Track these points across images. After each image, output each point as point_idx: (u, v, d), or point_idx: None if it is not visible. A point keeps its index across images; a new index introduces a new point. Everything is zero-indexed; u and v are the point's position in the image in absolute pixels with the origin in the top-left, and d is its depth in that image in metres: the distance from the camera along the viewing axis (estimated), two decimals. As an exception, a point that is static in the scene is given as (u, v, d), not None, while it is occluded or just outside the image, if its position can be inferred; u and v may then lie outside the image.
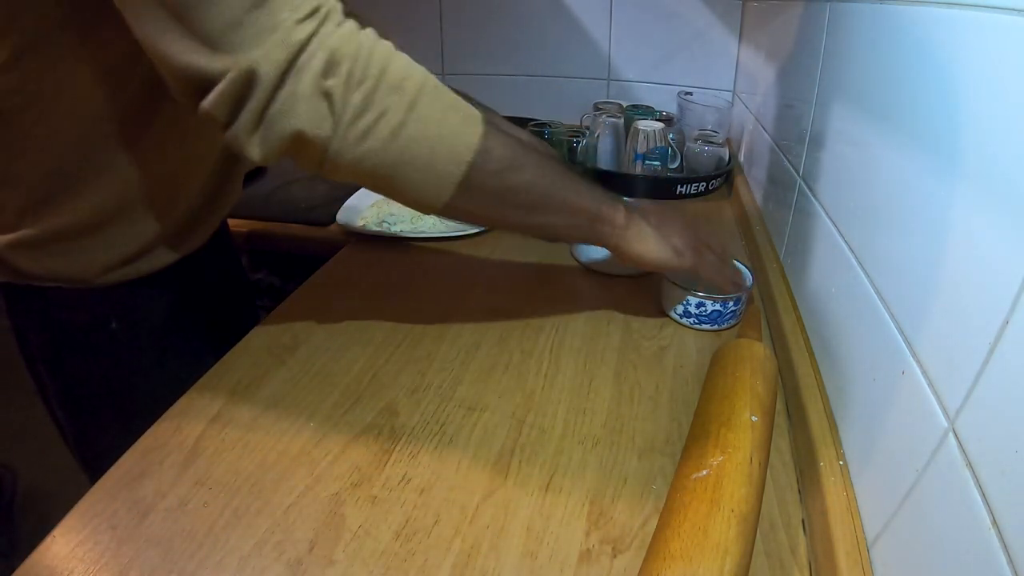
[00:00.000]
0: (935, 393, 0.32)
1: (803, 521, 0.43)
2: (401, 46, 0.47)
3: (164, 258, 0.63)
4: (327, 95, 0.40)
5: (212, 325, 0.73)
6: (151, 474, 0.46)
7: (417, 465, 0.47)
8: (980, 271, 0.29)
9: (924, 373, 0.33)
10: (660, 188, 0.98)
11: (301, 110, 0.40)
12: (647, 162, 0.99)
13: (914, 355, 0.35)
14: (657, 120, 1.03)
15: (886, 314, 0.39)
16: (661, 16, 1.21)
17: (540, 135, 0.95)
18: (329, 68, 0.40)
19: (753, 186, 0.93)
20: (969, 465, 0.28)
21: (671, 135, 1.00)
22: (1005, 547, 0.24)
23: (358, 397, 0.55)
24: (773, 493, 0.45)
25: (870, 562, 0.36)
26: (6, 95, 0.49)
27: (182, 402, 0.54)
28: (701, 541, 0.35)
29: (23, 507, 1.31)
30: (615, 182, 0.99)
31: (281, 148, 0.42)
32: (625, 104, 1.18)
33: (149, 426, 0.51)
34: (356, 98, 0.41)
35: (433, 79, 0.46)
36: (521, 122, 1.09)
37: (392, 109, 0.42)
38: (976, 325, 0.28)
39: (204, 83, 0.39)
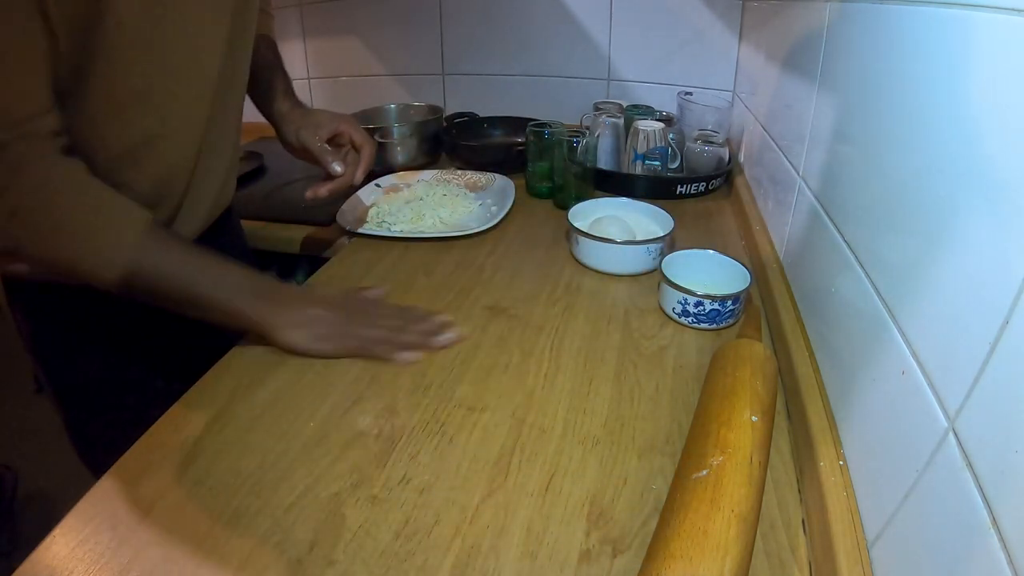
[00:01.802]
0: (935, 393, 0.32)
1: (803, 521, 0.43)
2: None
3: None
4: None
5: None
6: (151, 474, 0.46)
7: (417, 465, 0.47)
8: (980, 271, 0.29)
9: (924, 373, 0.33)
10: (660, 188, 0.98)
11: None
12: (647, 162, 0.99)
13: (914, 355, 0.35)
14: (657, 120, 1.03)
15: (886, 314, 0.39)
16: (661, 16, 1.21)
17: (540, 135, 0.95)
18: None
19: (753, 186, 0.93)
20: (969, 465, 0.28)
21: (671, 135, 1.00)
22: (1005, 547, 0.24)
23: (358, 397, 0.55)
24: (773, 493, 0.45)
25: (870, 562, 0.36)
26: None
27: (182, 402, 0.54)
28: (701, 541, 0.35)
29: (23, 507, 1.31)
30: (615, 182, 0.99)
31: None
32: (625, 104, 1.18)
33: (150, 421, 0.52)
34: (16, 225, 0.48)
35: (86, 204, 0.50)
36: (521, 122, 1.09)
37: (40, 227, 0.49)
38: (976, 325, 0.28)
39: None
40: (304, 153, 0.78)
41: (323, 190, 0.76)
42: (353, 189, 0.93)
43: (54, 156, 0.49)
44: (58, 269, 0.53)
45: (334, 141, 0.78)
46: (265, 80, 0.77)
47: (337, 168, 0.76)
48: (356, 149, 0.78)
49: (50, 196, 0.48)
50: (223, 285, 0.56)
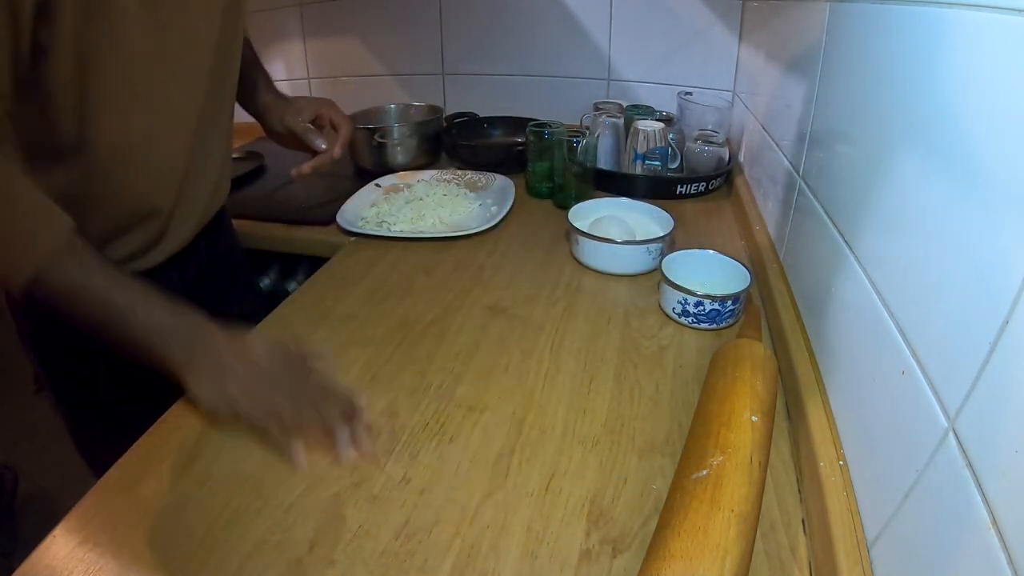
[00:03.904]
0: (935, 393, 0.32)
1: (803, 521, 0.43)
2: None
3: (156, 256, 0.64)
4: None
5: (208, 313, 0.74)
6: (151, 474, 0.46)
7: (417, 465, 0.47)
8: (980, 271, 0.29)
9: (924, 373, 0.33)
10: (660, 188, 0.98)
11: None
12: (647, 162, 0.99)
13: (914, 355, 0.35)
14: (657, 120, 1.03)
15: (886, 314, 0.39)
16: (661, 16, 1.21)
17: (540, 135, 0.96)
18: None
19: (753, 186, 0.93)
20: (969, 465, 0.28)
21: (671, 135, 1.00)
22: (1005, 547, 0.24)
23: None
24: (773, 493, 0.45)
25: (870, 562, 0.36)
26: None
27: (182, 402, 0.54)
28: (701, 541, 0.35)
29: (23, 507, 1.31)
30: (615, 182, 0.99)
31: None
32: (625, 104, 1.18)
33: (149, 424, 0.52)
34: None
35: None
36: (521, 122, 1.09)
37: None
38: (976, 325, 0.28)
39: None
40: (290, 137, 0.84)
41: (306, 167, 0.83)
42: (353, 189, 0.94)
43: None
44: None
45: (316, 123, 0.85)
46: (246, 76, 0.79)
47: (320, 144, 0.83)
48: (335, 128, 0.86)
49: None
50: (139, 313, 0.50)
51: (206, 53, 0.60)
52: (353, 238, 0.85)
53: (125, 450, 0.49)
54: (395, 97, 1.40)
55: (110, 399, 0.67)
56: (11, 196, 0.47)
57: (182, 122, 0.62)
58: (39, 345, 0.65)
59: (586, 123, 1.09)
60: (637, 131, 0.98)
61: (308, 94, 1.52)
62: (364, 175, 1.07)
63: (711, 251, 0.70)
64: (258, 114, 0.83)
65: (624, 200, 0.85)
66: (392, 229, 0.85)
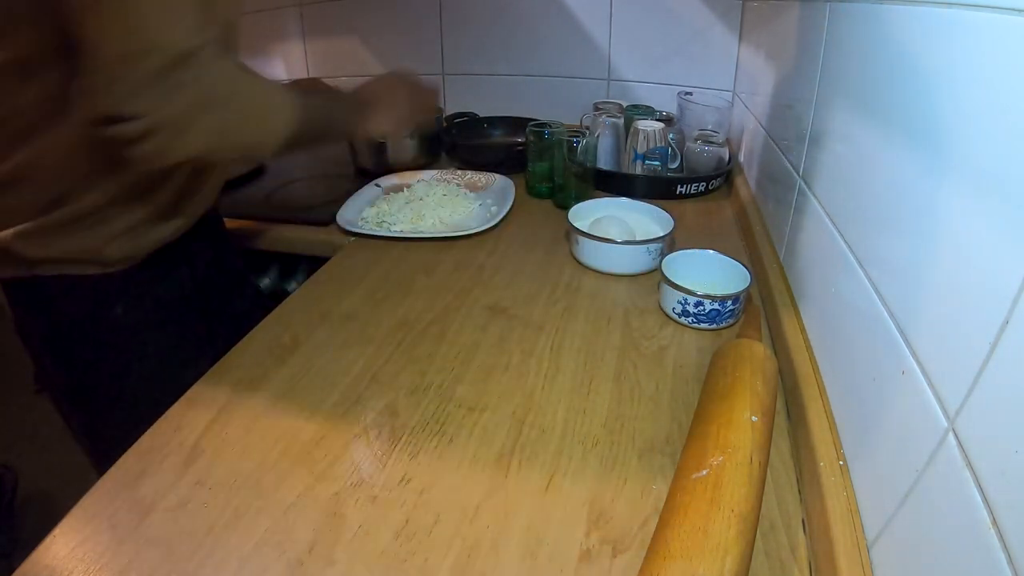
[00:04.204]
0: (935, 393, 0.32)
1: (803, 521, 0.43)
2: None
3: (163, 231, 0.66)
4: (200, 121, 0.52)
5: (208, 311, 0.76)
6: (151, 474, 0.46)
7: (417, 465, 0.47)
8: (980, 271, 0.29)
9: (924, 373, 0.33)
10: (660, 188, 0.98)
11: (184, 139, 0.51)
12: (647, 162, 0.99)
13: (914, 355, 0.35)
14: (657, 120, 1.03)
15: (886, 314, 0.39)
16: (661, 16, 1.21)
17: (540, 135, 0.96)
18: (201, 103, 0.51)
19: (753, 186, 0.93)
20: (969, 465, 0.28)
21: (671, 135, 1.00)
22: (1005, 547, 0.24)
23: (358, 397, 0.55)
24: (773, 493, 0.45)
25: (870, 562, 0.36)
26: (33, 106, 0.54)
27: (182, 402, 0.54)
28: (701, 541, 0.35)
29: (23, 507, 1.31)
30: (615, 182, 0.99)
31: (168, 162, 0.53)
32: (625, 104, 1.18)
33: (155, 414, 0.52)
34: (211, 120, 0.53)
35: (256, 87, 0.60)
36: (521, 122, 1.09)
37: (228, 117, 0.55)
38: (976, 325, 0.28)
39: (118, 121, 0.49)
40: None
41: None
42: (354, 189, 0.94)
43: (225, 57, 0.55)
44: (228, 152, 0.60)
45: None
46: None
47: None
48: None
49: (234, 88, 0.55)
50: (345, 108, 0.73)
51: None
52: (353, 238, 0.85)
53: (132, 439, 0.49)
54: (395, 97, 1.39)
55: (116, 387, 0.67)
56: (258, 81, 0.61)
57: None
58: (46, 337, 0.66)
59: (586, 123, 1.09)
60: (637, 131, 0.98)
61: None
62: (364, 175, 1.07)
63: (711, 251, 0.70)
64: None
65: (624, 200, 0.85)
66: (392, 229, 0.85)
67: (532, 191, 1.01)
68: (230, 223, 0.89)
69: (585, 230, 0.75)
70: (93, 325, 0.65)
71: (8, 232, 0.58)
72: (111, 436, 0.53)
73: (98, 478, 0.46)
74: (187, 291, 0.73)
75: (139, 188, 0.62)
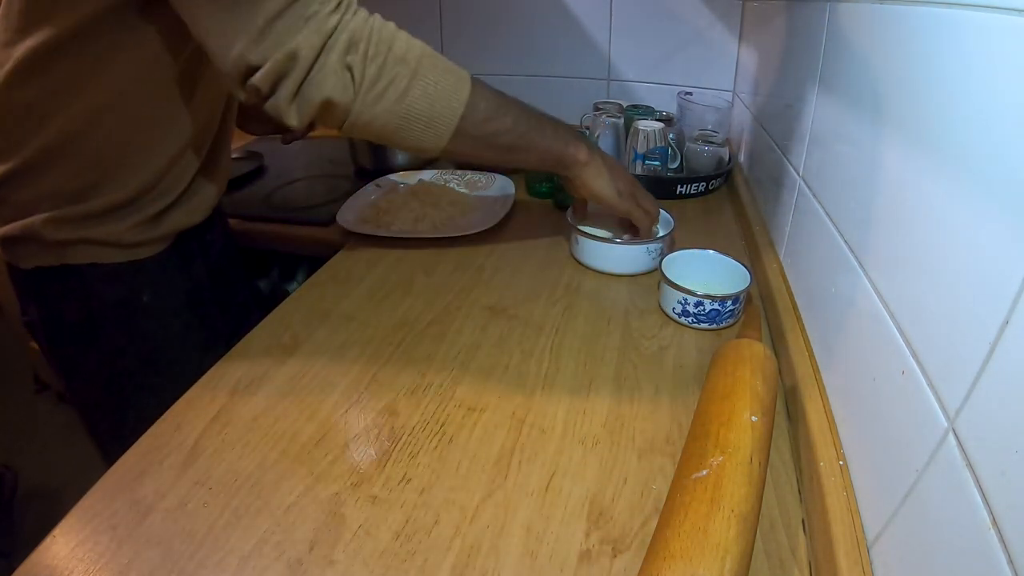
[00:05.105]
0: (935, 393, 0.32)
1: (803, 521, 0.43)
2: None
3: (179, 217, 0.69)
4: (349, 68, 0.50)
5: (220, 301, 0.78)
6: (151, 474, 0.46)
7: (417, 465, 0.47)
8: (980, 271, 0.29)
9: (924, 373, 0.33)
10: (660, 188, 0.98)
11: (330, 82, 0.50)
12: (647, 162, 0.99)
13: (914, 355, 0.35)
14: (657, 120, 1.03)
15: (886, 314, 0.39)
16: (661, 16, 1.21)
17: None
18: (350, 47, 0.50)
19: (753, 186, 0.93)
20: (969, 465, 0.28)
21: (671, 135, 1.00)
22: (1005, 547, 0.24)
23: (358, 397, 0.55)
24: (773, 493, 0.45)
25: (870, 562, 0.36)
26: (64, 85, 0.55)
27: (182, 402, 0.54)
28: (701, 541, 0.35)
29: (23, 507, 1.31)
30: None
31: (312, 113, 0.52)
32: (625, 104, 1.18)
33: (179, 395, 0.53)
34: (371, 70, 0.51)
35: (429, 50, 0.55)
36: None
37: (399, 77, 0.52)
38: (976, 325, 0.28)
39: (252, 67, 0.48)
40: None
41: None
42: (354, 189, 0.94)
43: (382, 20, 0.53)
44: (384, 119, 0.54)
45: None
46: None
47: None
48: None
49: (382, 36, 0.51)
50: (552, 133, 0.65)
51: None
52: (353, 238, 0.85)
53: (156, 418, 0.50)
54: (395, 97, 1.39)
55: (144, 371, 0.68)
56: (437, 57, 0.55)
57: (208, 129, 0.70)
58: (76, 323, 0.66)
59: (586, 123, 1.09)
60: (637, 131, 0.98)
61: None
62: (364, 175, 1.07)
63: (711, 251, 0.70)
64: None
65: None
66: (392, 229, 0.85)
67: (532, 191, 1.01)
68: (230, 223, 0.89)
69: (585, 230, 0.75)
70: (125, 311, 0.66)
71: (38, 218, 0.59)
72: (136, 423, 0.53)
73: (106, 471, 0.46)
74: (203, 281, 0.75)
75: (158, 180, 0.64)
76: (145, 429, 0.50)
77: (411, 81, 0.53)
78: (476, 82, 0.59)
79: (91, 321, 0.65)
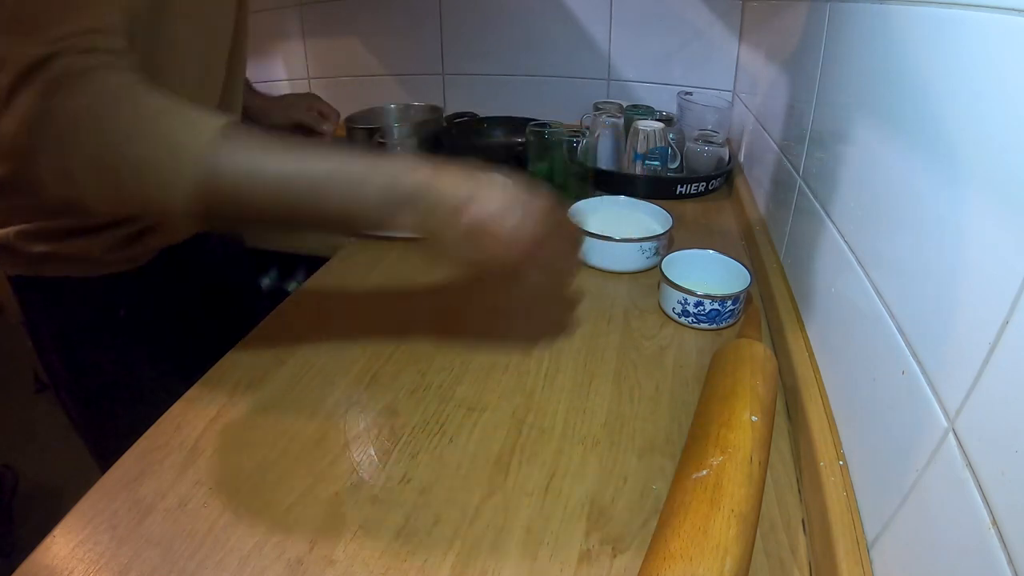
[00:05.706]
0: (935, 393, 0.32)
1: (803, 521, 0.43)
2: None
3: (161, 240, 0.67)
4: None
5: (211, 314, 0.76)
6: (151, 474, 0.46)
7: (417, 465, 0.47)
8: (980, 271, 0.29)
9: (924, 373, 0.33)
10: (660, 188, 0.98)
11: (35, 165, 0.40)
12: (647, 162, 0.99)
13: (914, 355, 0.35)
14: (657, 120, 1.03)
15: (886, 314, 0.39)
16: (661, 16, 1.21)
17: (540, 135, 0.95)
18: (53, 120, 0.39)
19: (753, 186, 0.93)
20: (969, 465, 0.28)
21: (671, 135, 1.00)
22: (1005, 547, 0.24)
23: (358, 397, 0.55)
24: (773, 493, 0.45)
25: (870, 562, 0.36)
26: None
27: (182, 402, 0.54)
28: (701, 541, 0.35)
29: (23, 507, 1.31)
30: (615, 182, 0.99)
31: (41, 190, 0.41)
32: (625, 104, 1.18)
33: (157, 415, 0.52)
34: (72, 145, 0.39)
35: (157, 115, 0.40)
36: (521, 122, 1.09)
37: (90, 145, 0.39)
38: (976, 325, 0.28)
39: None
40: (292, 128, 0.98)
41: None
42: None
43: (107, 69, 0.39)
44: (120, 204, 0.44)
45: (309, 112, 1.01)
46: None
47: (326, 128, 1.00)
48: (325, 116, 1.02)
49: (103, 111, 0.39)
50: (334, 186, 0.43)
51: (226, 38, 0.64)
52: (353, 238, 0.85)
53: (135, 439, 0.49)
54: (395, 97, 1.39)
55: (119, 388, 0.68)
56: (151, 104, 0.40)
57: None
58: (51, 336, 0.66)
59: (586, 123, 1.09)
60: (637, 131, 0.98)
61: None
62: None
63: (711, 251, 0.70)
64: (253, 114, 0.91)
65: (623, 198, 0.85)
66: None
67: (532, 191, 1.00)
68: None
69: (584, 228, 0.75)
70: (98, 327, 0.65)
71: (11, 230, 0.59)
72: (115, 436, 0.53)
73: (100, 476, 0.46)
74: (193, 294, 0.74)
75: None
76: (126, 447, 0.49)
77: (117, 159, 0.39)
78: (214, 155, 0.40)
79: (65, 335, 0.65)
